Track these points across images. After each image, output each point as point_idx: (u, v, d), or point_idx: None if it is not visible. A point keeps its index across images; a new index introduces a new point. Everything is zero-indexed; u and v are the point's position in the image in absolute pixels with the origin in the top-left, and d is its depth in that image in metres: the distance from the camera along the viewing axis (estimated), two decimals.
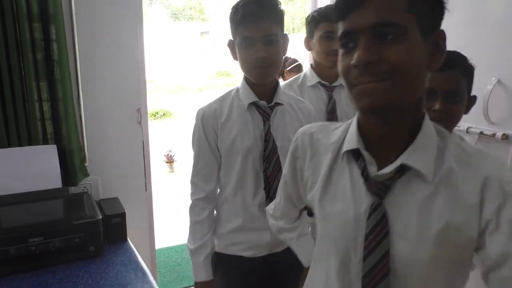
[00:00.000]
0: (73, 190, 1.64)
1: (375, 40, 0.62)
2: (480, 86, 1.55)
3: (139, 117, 1.83)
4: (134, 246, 1.48)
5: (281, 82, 4.89)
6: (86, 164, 1.71)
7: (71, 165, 1.61)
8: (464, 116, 1.62)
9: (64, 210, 1.50)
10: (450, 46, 1.73)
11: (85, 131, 1.71)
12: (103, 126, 1.77)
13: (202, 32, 23.76)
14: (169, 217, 4.00)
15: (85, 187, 1.71)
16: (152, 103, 10.79)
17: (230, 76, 18.88)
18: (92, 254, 1.35)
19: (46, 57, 1.54)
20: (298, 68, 4.52)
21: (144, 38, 1.79)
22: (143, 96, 1.84)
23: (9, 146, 1.51)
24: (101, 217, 1.38)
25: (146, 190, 1.93)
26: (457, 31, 1.63)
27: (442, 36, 0.69)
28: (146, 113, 1.88)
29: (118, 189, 1.81)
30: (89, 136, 1.73)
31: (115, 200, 1.66)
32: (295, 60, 4.36)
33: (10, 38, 1.45)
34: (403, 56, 0.61)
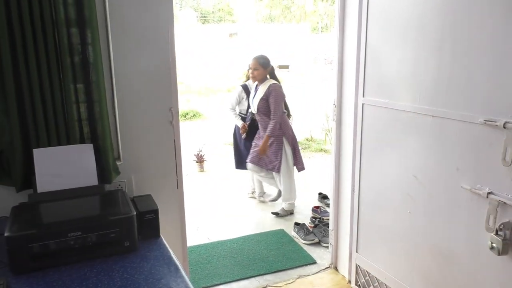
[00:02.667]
0: (108, 187, 1.70)
1: None
2: None
3: (171, 116, 1.88)
4: (166, 242, 1.52)
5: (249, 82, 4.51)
6: (119, 163, 1.77)
7: (106, 163, 1.67)
8: (500, 111, 1.57)
9: (101, 206, 1.56)
10: (485, 36, 1.66)
11: (119, 130, 1.77)
12: (136, 125, 1.82)
13: (230, 34, 23.94)
14: (199, 216, 4.06)
15: (119, 184, 1.77)
16: (183, 105, 10.96)
17: None
18: (127, 249, 1.40)
19: (83, 60, 1.60)
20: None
21: (175, 40, 1.84)
22: (174, 96, 1.89)
23: (49, 145, 1.59)
24: (135, 213, 1.42)
25: (177, 188, 1.97)
26: (493, 20, 1.58)
27: None
28: (178, 113, 1.92)
29: (151, 186, 1.86)
30: (124, 136, 1.79)
31: (148, 197, 1.71)
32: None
33: (50, 43, 1.53)
34: None
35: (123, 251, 1.39)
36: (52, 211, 1.47)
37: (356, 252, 2.64)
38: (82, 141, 1.65)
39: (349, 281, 2.76)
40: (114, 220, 1.37)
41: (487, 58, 1.63)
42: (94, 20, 1.57)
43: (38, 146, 1.57)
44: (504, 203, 1.60)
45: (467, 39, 1.70)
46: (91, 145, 1.64)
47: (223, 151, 6.59)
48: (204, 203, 4.40)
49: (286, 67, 21.42)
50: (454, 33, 1.76)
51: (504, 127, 1.56)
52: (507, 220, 1.61)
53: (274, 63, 4.25)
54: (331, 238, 2.95)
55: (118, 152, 1.79)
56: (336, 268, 2.97)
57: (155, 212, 1.55)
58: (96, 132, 1.66)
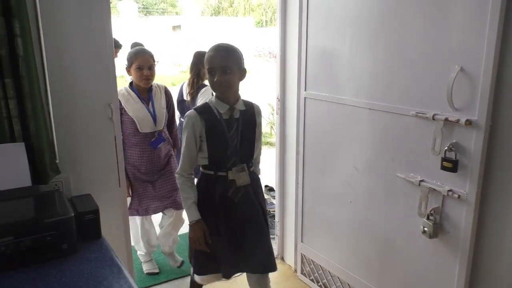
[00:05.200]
0: (43, 188, 1.61)
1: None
2: (444, 73, 1.61)
3: (110, 112, 1.81)
4: (109, 242, 1.47)
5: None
6: (56, 161, 1.68)
7: (41, 163, 1.57)
8: (429, 104, 1.69)
9: (35, 209, 1.47)
10: (416, 34, 1.77)
11: (54, 128, 1.67)
12: (73, 122, 1.74)
13: (174, 26, 23.41)
14: None
15: (56, 184, 1.68)
16: None
17: None
18: (66, 252, 1.33)
19: (11, 53, 1.49)
20: None
21: (112, 32, 1.76)
22: (113, 92, 1.82)
23: None
24: (73, 214, 1.36)
25: (119, 187, 1.91)
26: (422, 20, 1.68)
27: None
28: (117, 108, 1.86)
29: (91, 186, 1.79)
30: (59, 133, 1.70)
31: (88, 197, 1.64)
32: None
33: None
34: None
35: (61, 255, 1.33)
36: None
37: (301, 242, 2.71)
38: (13, 140, 1.54)
39: (295, 270, 2.84)
40: (50, 222, 1.30)
41: (417, 54, 1.73)
42: (23, 9, 1.46)
43: None
44: (434, 189, 1.72)
45: (399, 37, 1.80)
46: (23, 143, 1.53)
47: None
48: None
49: None
50: (387, 30, 1.85)
51: (433, 119, 1.67)
52: (436, 205, 1.73)
53: None
54: (277, 230, 3.01)
55: (54, 151, 1.69)
56: (282, 259, 3.04)
57: (95, 212, 1.49)
58: (28, 130, 1.56)
